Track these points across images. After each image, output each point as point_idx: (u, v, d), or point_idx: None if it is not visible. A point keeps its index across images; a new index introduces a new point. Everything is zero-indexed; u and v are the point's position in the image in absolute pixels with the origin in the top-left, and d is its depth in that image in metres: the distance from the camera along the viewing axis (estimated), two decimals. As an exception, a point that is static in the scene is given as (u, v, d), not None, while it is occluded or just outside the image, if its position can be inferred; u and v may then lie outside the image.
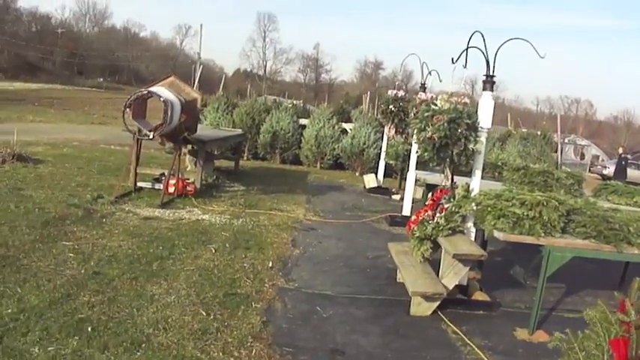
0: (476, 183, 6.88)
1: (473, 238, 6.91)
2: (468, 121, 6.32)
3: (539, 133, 22.01)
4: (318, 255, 8.10)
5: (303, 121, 19.91)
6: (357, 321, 5.78)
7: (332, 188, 14.93)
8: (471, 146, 6.42)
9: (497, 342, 5.73)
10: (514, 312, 6.79)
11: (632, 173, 27.81)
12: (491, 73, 6.59)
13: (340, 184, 16.22)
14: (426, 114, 6.43)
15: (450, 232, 6.60)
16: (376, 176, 15.84)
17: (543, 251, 5.98)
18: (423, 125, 6.45)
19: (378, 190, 15.22)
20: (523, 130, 22.57)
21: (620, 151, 23.91)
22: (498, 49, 6.48)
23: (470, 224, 6.84)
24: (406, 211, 11.42)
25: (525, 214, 5.98)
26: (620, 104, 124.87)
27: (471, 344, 5.53)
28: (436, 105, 6.51)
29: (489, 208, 6.26)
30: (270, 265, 7.21)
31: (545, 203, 6.09)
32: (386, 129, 13.86)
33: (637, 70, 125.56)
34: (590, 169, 44.38)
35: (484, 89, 6.68)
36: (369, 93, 23.91)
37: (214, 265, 6.88)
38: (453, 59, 6.84)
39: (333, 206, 12.19)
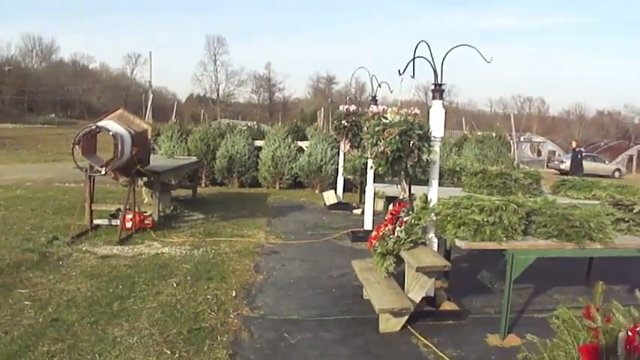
0: (433, 193, 6.84)
1: (435, 249, 6.86)
2: (419, 131, 6.29)
3: (494, 134, 22.17)
4: (282, 279, 7.96)
5: (258, 143, 19.76)
6: (327, 344, 5.67)
7: (292, 208, 14.80)
8: (425, 157, 6.38)
9: (469, 351, 5.67)
10: (484, 318, 6.75)
11: (587, 165, 28.17)
12: (439, 82, 6.57)
13: (300, 203, 16.09)
14: (377, 128, 6.39)
15: (412, 244, 6.55)
16: (336, 192, 15.77)
17: (507, 255, 5.95)
18: (375, 140, 6.40)
19: (338, 206, 15.13)
20: (479, 133, 22.72)
21: (574, 145, 23.89)
22: (444, 57, 6.46)
23: (431, 235, 6.79)
24: (368, 225, 11.36)
25: (485, 220, 5.96)
26: (571, 99, 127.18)
27: (444, 356, 5.47)
28: (386, 118, 6.47)
29: (449, 218, 6.23)
30: (234, 294, 7.06)
31: (504, 207, 6.08)
32: (341, 144, 13.82)
33: (585, 64, 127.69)
34: (547, 165, 45.04)
35: (433, 98, 6.65)
36: (322, 109, 23.94)
37: (177, 300, 6.71)
38: (399, 71, 6.82)
39: (295, 226, 12.07)
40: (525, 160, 35.67)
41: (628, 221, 6.95)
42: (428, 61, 6.48)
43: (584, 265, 8.61)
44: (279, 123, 21.38)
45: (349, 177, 15.16)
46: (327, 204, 15.22)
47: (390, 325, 6.00)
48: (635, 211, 6.92)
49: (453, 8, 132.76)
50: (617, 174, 44.23)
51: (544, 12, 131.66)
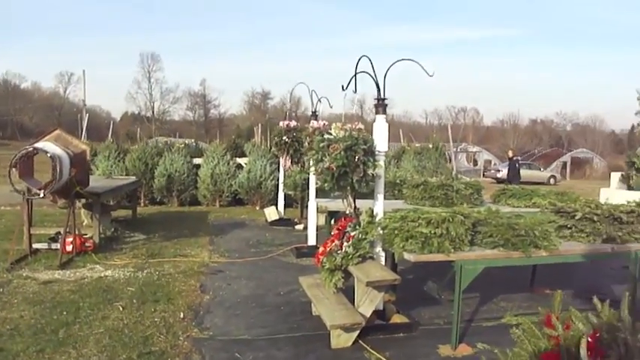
0: (379, 207, 6.85)
1: (383, 263, 6.88)
2: (364, 146, 6.30)
3: (431, 146, 22.45)
4: (229, 298, 7.84)
5: (197, 161, 19.55)
6: (279, 363, 5.61)
7: (234, 225, 14.66)
8: (370, 171, 6.40)
9: (421, 363, 5.70)
10: (434, 329, 6.80)
11: (523, 173, 28.71)
12: (382, 97, 6.60)
13: (242, 220, 15.95)
14: (322, 144, 6.37)
15: (360, 259, 6.53)
16: (277, 208, 15.70)
17: (455, 266, 6.00)
18: (320, 156, 6.38)
19: (280, 222, 15.07)
20: (417, 144, 22.97)
21: (510, 154, 24.23)
22: (387, 71, 6.50)
23: (378, 249, 6.80)
24: (311, 240, 11.33)
25: (433, 232, 6.00)
26: (505, 108, 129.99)
27: (397, 370, 5.48)
28: (331, 134, 6.46)
29: (396, 231, 6.26)
30: (182, 315, 6.92)
31: (450, 219, 6.13)
32: (282, 160, 13.77)
33: (518, 74, 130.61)
34: (483, 174, 45.88)
35: (377, 113, 6.68)
36: (260, 125, 23.87)
37: (124, 324, 6.52)
38: (343, 86, 6.82)
39: (238, 244, 11.95)
40: (462, 170, 36.19)
41: (570, 228, 7.11)
42: (370, 75, 6.51)
43: (528, 272, 8.75)
44: (217, 140, 21.16)
45: (290, 192, 15.13)
46: (269, 220, 15.14)
47: (341, 340, 5.97)
48: (577, 217, 7.07)
49: (386, 25, 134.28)
50: (552, 181, 45.41)
51: (476, 24, 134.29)
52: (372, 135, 6.64)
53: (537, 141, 75.45)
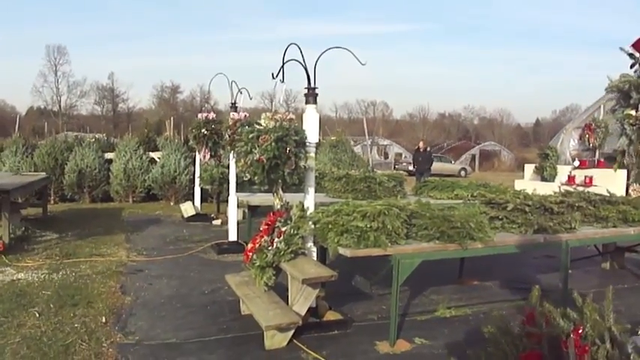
0: (310, 201, 6.59)
1: (315, 258, 6.62)
2: (296, 137, 6.02)
3: (347, 138, 22.38)
4: (152, 299, 7.40)
5: (108, 155, 18.82)
6: (212, 369, 5.26)
7: (150, 222, 14.13)
8: (302, 163, 6.13)
9: (362, 362, 5.47)
10: (368, 325, 6.59)
11: (434, 165, 28.95)
12: (312, 86, 6.33)
13: (157, 216, 15.44)
14: (251, 135, 6.04)
15: (292, 255, 6.26)
16: (193, 203, 15.26)
17: (392, 261, 5.80)
18: (249, 147, 6.05)
19: (197, 217, 14.67)
20: (332, 138, 22.83)
21: (421, 145, 23.79)
22: (318, 59, 6.24)
23: (310, 244, 6.54)
24: (232, 236, 10.96)
25: (369, 226, 5.79)
26: (414, 102, 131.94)
27: (337, 370, 5.24)
28: (260, 124, 6.14)
29: (330, 225, 6.02)
30: (104, 320, 6.41)
31: (386, 212, 5.94)
32: (199, 154, 13.33)
33: (426, 69, 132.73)
34: (394, 167, 46.30)
35: (307, 102, 6.40)
36: (172, 118, 23.22)
37: (42, 332, 5.95)
38: (272, 75, 6.50)
39: (155, 241, 11.48)
40: (374, 163, 36.43)
41: (502, 219, 7.06)
42: (300, 63, 6.24)
43: (454, 264, 8.69)
44: (129, 134, 20.41)
45: (206, 187, 14.72)
46: (185, 216, 14.70)
47: (276, 341, 5.67)
48: (508, 208, 7.01)
49: (298, 17, 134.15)
50: (463, 173, 46.34)
51: (387, 19, 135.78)
52: (301, 126, 6.36)
53: (446, 134, 76.92)
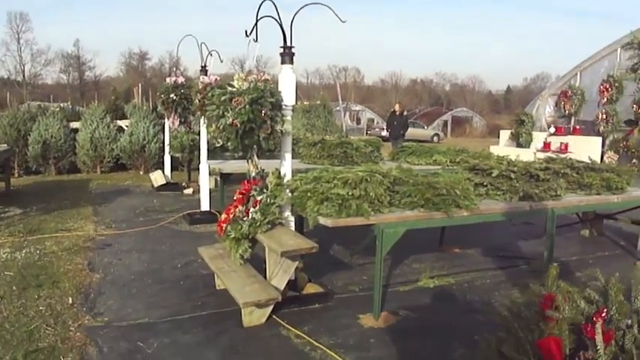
0: (287, 167, 6.22)
1: (293, 228, 6.29)
2: (271, 99, 5.61)
3: (319, 103, 22.02)
4: (122, 275, 6.99)
5: (74, 125, 18.18)
6: (189, 348, 4.88)
7: (118, 193, 13.66)
8: (278, 127, 5.75)
9: (345, 337, 5.18)
10: (350, 297, 6.32)
11: (414, 132, 28.61)
12: (289, 45, 5.93)
13: (126, 186, 14.95)
14: (224, 97, 5.63)
15: (269, 226, 5.90)
16: (163, 172, 14.80)
17: (375, 230, 5.48)
18: (221, 111, 5.63)
19: (167, 186, 14.25)
20: (305, 102, 22.43)
21: (397, 108, 21.77)
22: (294, 15, 5.83)
23: (287, 214, 6.19)
24: (204, 206, 10.59)
25: (350, 193, 5.45)
26: (387, 68, 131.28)
27: (321, 346, 4.92)
28: (233, 86, 5.73)
29: (309, 193, 5.67)
30: (71, 301, 5.95)
31: (368, 179, 5.61)
32: (168, 120, 12.87)
33: (399, 34, 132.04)
34: (367, 132, 46.07)
35: (283, 62, 5.98)
36: (140, 85, 22.60)
37: (4, 317, 5.47)
38: (246, 32, 6.07)
39: (124, 213, 11.02)
40: (347, 129, 36.12)
41: (486, 185, 6.77)
42: (276, 20, 5.82)
43: (434, 232, 8.43)
44: (95, 102, 19.73)
45: (176, 155, 14.27)
46: (155, 185, 14.27)
47: (254, 317, 5.34)
48: (493, 175, 6.73)
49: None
50: (435, 138, 46.28)
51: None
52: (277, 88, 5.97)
53: (418, 100, 76.72)
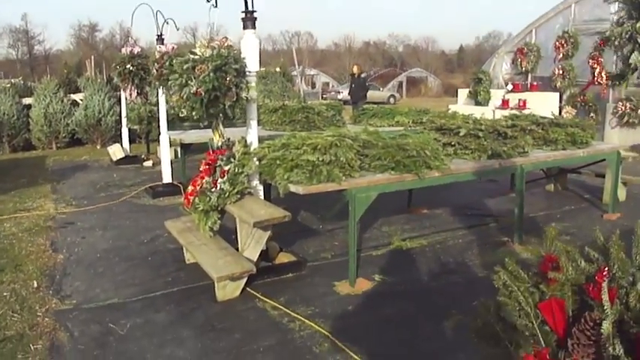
0: (253, 135, 6.07)
1: (262, 197, 6.16)
2: (236, 66, 5.43)
3: (277, 69, 21.76)
4: (87, 254, 6.76)
5: (27, 101, 17.63)
6: (163, 328, 4.74)
7: (76, 169, 13.29)
8: (243, 94, 5.58)
9: (323, 306, 5.11)
10: (323, 265, 6.25)
11: (371, 94, 28.32)
12: (251, 9, 5.74)
13: (84, 161, 14.54)
14: (186, 66, 5.43)
15: (239, 196, 5.76)
16: (121, 145, 14.45)
17: (347, 195, 5.39)
18: (184, 80, 5.43)
19: (126, 160, 13.89)
20: (261, 69, 22.14)
21: (355, 70, 20.80)
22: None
23: (256, 182, 6.06)
24: (166, 178, 10.34)
25: (320, 159, 5.34)
26: (339, 31, 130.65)
27: (299, 317, 4.85)
28: (195, 53, 5.53)
29: (278, 161, 5.55)
30: (36, 284, 5.72)
31: (338, 143, 5.50)
32: (125, 92, 12.53)
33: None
34: (322, 97, 45.81)
35: (245, 27, 5.79)
36: (92, 58, 22.01)
37: None
38: (207, -2, 5.86)
39: (84, 189, 10.71)
40: (304, 94, 35.88)
41: (454, 145, 6.73)
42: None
43: (401, 193, 8.36)
44: (47, 77, 19.17)
45: (135, 127, 13.96)
46: (114, 159, 13.90)
47: (228, 291, 5.23)
48: (461, 134, 6.68)
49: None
50: (392, 100, 46.25)
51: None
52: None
53: (372, 62, 76.52)
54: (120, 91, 13.94)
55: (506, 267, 2.33)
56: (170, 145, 10.48)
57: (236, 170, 5.77)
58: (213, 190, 5.83)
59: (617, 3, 14.17)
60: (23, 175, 12.34)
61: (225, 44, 5.54)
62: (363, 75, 20.33)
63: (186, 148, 10.61)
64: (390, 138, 6.17)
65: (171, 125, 10.45)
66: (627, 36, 14.10)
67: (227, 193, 5.71)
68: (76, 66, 30.59)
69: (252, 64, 5.79)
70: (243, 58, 5.65)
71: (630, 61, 13.57)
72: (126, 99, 13.38)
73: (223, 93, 5.40)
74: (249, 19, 5.75)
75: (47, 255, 6.73)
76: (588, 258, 2.31)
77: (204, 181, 6.03)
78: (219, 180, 5.81)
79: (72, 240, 7.38)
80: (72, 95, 18.12)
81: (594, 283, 2.12)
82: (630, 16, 13.87)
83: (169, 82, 5.66)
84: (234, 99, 5.49)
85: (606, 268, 2.17)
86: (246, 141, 6.01)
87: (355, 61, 50.11)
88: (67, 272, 6.18)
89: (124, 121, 14.40)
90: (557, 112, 14.61)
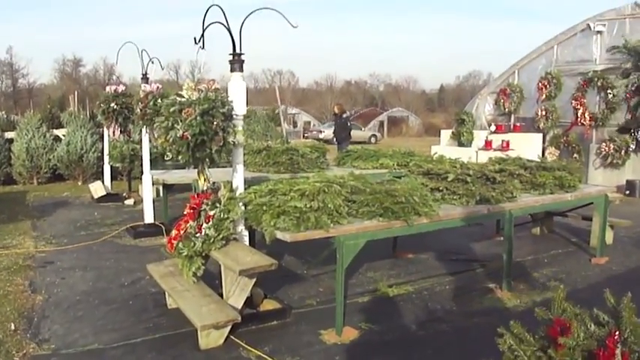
0: (239, 179, 5.98)
1: (247, 244, 6.04)
2: (223, 110, 5.35)
3: (262, 109, 21.78)
4: (66, 296, 6.57)
5: (9, 135, 17.47)
6: (144, 377, 4.61)
7: (57, 205, 13.09)
8: (230, 139, 5.49)
9: (309, 355, 4.97)
10: (309, 312, 6.10)
11: (353, 133, 28.23)
12: (238, 52, 5.69)
13: (64, 198, 14.35)
14: (173, 108, 5.35)
15: (224, 242, 5.64)
16: (103, 183, 14.32)
17: (336, 242, 5.29)
18: (170, 123, 5.34)
19: (108, 197, 13.71)
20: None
21: (336, 110, 20.51)
22: (243, 22, 5.60)
23: (241, 228, 5.94)
24: (148, 218, 10.19)
25: (308, 206, 5.24)
26: (321, 70, 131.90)
27: (284, 368, 4.71)
28: (182, 96, 5.45)
29: (265, 207, 5.44)
30: (13, 327, 5.53)
31: (326, 189, 5.42)
32: (107, 130, 12.43)
33: (333, 37, 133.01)
34: (304, 136, 45.93)
35: (232, 70, 5.74)
36: (76, 93, 21.94)
37: None
38: (195, 39, 5.80)
39: (65, 227, 10.53)
40: (286, 133, 35.96)
41: (442, 190, 6.66)
42: (224, 26, 5.58)
43: (386, 237, 8.30)
44: (30, 111, 19.05)
45: (116, 165, 13.84)
46: (95, 197, 13.74)
47: (211, 339, 5.07)
48: (449, 179, 6.63)
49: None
50: (373, 139, 46.38)
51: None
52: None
53: (353, 101, 77.02)
54: (103, 127, 13.85)
55: (511, 330, 2.25)
56: (152, 184, 10.35)
57: (221, 215, 5.66)
58: (197, 235, 5.71)
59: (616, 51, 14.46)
60: (3, 210, 12.13)
61: (213, 87, 5.47)
62: (344, 115, 19.98)
63: (168, 187, 10.50)
64: (378, 183, 6.11)
65: (154, 164, 10.35)
66: (633, 88, 14.33)
67: (212, 239, 5.59)
68: (59, 100, 30.57)
69: (240, 108, 5.72)
70: (231, 102, 5.57)
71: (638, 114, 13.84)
72: (109, 136, 13.28)
73: (210, 137, 5.30)
74: (237, 62, 5.71)
75: (25, 296, 6.54)
76: (598, 321, 2.24)
77: (188, 225, 5.90)
78: (204, 225, 5.69)
79: (51, 280, 7.19)
80: (55, 130, 17.99)
81: (605, 347, 2.05)
82: (637, 67, 14.09)
83: (155, 124, 5.58)
84: (222, 143, 5.39)
85: (617, 332, 2.10)
86: (232, 185, 5.91)
87: (337, 100, 50.20)
88: (46, 315, 5.98)
89: (106, 158, 14.28)
90: (540, 154, 14.74)
